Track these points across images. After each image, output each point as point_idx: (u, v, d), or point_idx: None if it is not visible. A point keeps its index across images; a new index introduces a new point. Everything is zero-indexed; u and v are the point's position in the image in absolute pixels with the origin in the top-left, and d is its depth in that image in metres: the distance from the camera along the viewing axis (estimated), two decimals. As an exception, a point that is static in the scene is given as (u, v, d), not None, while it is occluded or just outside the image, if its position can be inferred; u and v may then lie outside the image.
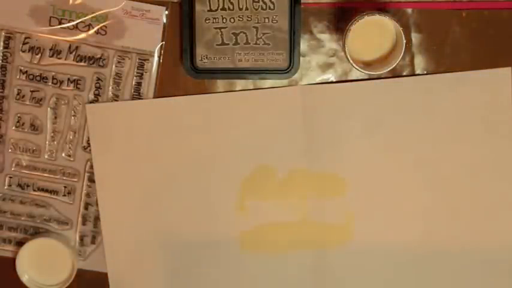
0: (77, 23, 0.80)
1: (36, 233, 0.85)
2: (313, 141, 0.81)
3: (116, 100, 0.82)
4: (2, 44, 0.81)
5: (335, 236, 0.83)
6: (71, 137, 0.83)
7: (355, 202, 0.82)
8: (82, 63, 0.81)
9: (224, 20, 0.79)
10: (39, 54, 0.81)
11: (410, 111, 0.80)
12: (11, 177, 0.84)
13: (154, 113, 0.81)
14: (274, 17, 0.79)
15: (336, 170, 0.82)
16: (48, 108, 0.82)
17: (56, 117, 0.82)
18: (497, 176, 0.81)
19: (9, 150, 0.83)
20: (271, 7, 0.79)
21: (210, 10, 0.79)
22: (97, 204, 0.84)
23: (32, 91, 0.82)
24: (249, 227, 0.83)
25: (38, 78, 0.81)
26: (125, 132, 0.81)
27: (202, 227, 0.83)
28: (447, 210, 0.82)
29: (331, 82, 0.82)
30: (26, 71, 0.81)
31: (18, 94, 0.82)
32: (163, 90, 0.82)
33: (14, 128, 0.83)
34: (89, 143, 0.83)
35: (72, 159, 0.83)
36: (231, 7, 0.79)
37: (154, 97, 0.82)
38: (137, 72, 0.81)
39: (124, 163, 0.82)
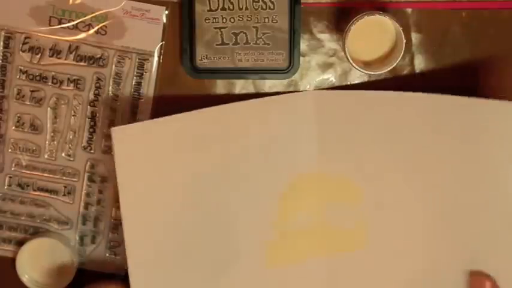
0: (77, 23, 0.80)
1: (36, 232, 0.85)
2: (326, 147, 0.80)
3: (116, 100, 0.82)
4: (2, 43, 0.81)
5: (346, 243, 0.81)
6: (71, 137, 0.83)
7: (366, 210, 0.80)
8: (82, 63, 0.81)
9: (224, 20, 0.80)
10: (39, 54, 0.81)
11: (419, 128, 0.78)
12: (11, 177, 0.84)
13: (175, 130, 0.78)
14: (274, 17, 0.79)
15: (348, 177, 0.80)
16: (48, 108, 0.82)
17: (56, 117, 0.82)
18: (498, 205, 0.79)
19: (9, 150, 0.83)
20: (271, 7, 0.79)
21: (210, 10, 0.79)
22: (97, 204, 0.83)
23: (31, 91, 0.82)
24: (273, 237, 0.81)
25: (38, 78, 0.82)
26: (151, 153, 0.78)
27: (225, 241, 0.80)
28: (451, 227, 0.79)
29: (345, 86, 0.81)
30: (26, 71, 0.81)
31: (18, 94, 0.82)
32: (163, 90, 0.82)
33: (14, 128, 0.83)
34: (88, 143, 0.83)
35: (72, 159, 0.83)
36: (231, 7, 0.79)
37: (154, 97, 0.82)
38: (137, 72, 0.81)
39: (151, 181, 0.78)
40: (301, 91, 0.81)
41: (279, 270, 0.82)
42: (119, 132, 0.76)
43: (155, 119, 0.78)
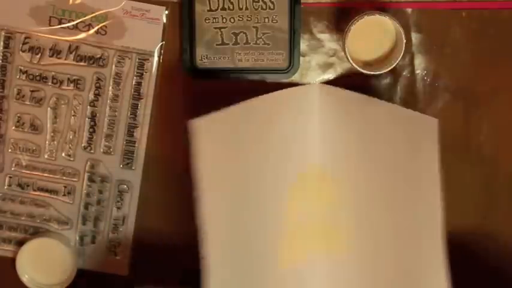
0: (77, 23, 0.80)
1: (36, 233, 0.85)
2: (328, 147, 0.79)
3: (116, 100, 0.82)
4: (2, 44, 0.81)
5: (345, 243, 0.81)
6: (70, 137, 0.83)
7: (363, 210, 0.80)
8: (82, 63, 0.81)
9: (224, 20, 0.80)
10: (39, 54, 0.81)
11: (394, 139, 0.78)
12: (11, 177, 0.84)
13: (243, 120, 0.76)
14: (274, 17, 0.79)
15: (347, 178, 0.80)
16: (48, 108, 0.82)
17: (56, 117, 0.82)
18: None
19: (9, 150, 0.83)
20: (271, 7, 0.79)
21: (210, 10, 0.79)
22: (97, 204, 0.84)
23: (32, 91, 0.82)
24: (283, 237, 0.80)
25: (38, 78, 0.82)
26: (223, 143, 0.76)
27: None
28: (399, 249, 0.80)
29: (345, 82, 0.81)
30: (26, 71, 0.81)
31: (18, 94, 0.82)
32: (163, 90, 0.82)
33: (14, 128, 0.83)
34: (88, 143, 0.83)
35: (72, 159, 0.83)
36: (231, 7, 0.79)
37: (154, 97, 0.82)
38: (137, 72, 0.81)
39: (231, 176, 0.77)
40: (308, 83, 0.80)
41: (288, 270, 0.82)
42: (200, 123, 0.73)
43: (224, 109, 0.74)
